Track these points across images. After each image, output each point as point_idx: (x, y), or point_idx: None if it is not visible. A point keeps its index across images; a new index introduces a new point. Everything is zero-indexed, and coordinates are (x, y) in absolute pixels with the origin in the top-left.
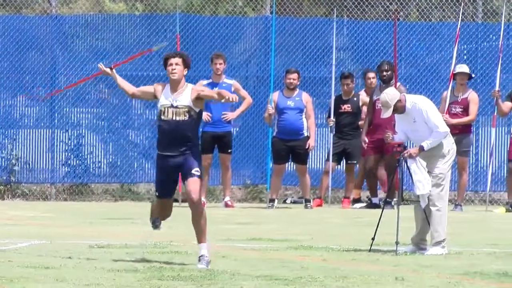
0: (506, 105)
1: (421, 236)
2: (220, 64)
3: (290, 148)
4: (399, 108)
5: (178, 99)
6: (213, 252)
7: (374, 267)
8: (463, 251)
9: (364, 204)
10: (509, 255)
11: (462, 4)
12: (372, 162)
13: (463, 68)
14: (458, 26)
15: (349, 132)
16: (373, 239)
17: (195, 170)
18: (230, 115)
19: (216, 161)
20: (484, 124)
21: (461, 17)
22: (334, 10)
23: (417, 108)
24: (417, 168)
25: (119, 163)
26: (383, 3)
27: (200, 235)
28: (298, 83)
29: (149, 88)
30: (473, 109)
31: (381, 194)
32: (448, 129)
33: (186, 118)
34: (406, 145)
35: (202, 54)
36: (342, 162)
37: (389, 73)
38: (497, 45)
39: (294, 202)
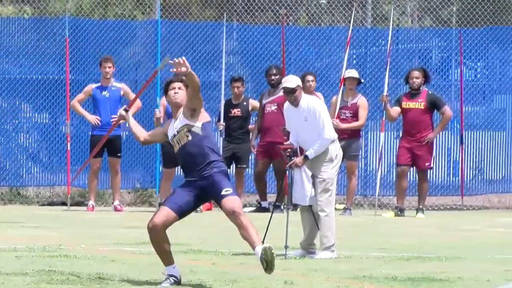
0: (394, 110)
1: (309, 241)
2: (109, 67)
3: None
4: (297, 95)
5: (175, 124)
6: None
7: (264, 271)
8: (352, 255)
9: (254, 208)
10: (398, 260)
11: (353, 9)
12: (261, 166)
13: (352, 73)
14: (350, 31)
15: (238, 136)
16: (262, 242)
17: (226, 190)
18: None
19: (105, 164)
20: (373, 129)
21: (352, 22)
22: (224, 15)
23: (311, 108)
24: (299, 178)
25: (8, 166)
26: (272, 8)
27: (254, 240)
28: None
29: (159, 129)
30: (363, 114)
31: (271, 198)
32: (335, 136)
33: (190, 138)
34: (296, 149)
35: (92, 58)
36: (232, 166)
37: (277, 77)
38: (386, 50)
39: None
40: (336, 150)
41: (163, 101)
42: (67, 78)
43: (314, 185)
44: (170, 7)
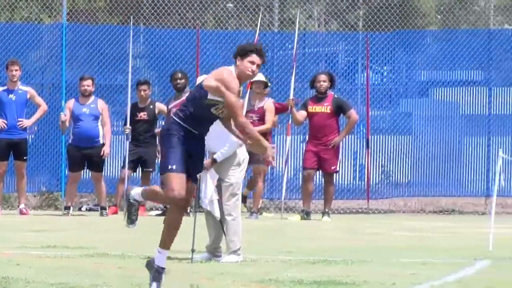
0: (300, 114)
1: (215, 245)
2: (16, 70)
3: (85, 155)
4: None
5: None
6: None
7: (170, 274)
8: (259, 258)
9: (160, 212)
10: (304, 263)
11: (260, 13)
12: None
13: (259, 76)
14: (256, 35)
15: (145, 140)
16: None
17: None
18: (26, 122)
19: (11, 168)
20: (279, 133)
21: (259, 26)
22: (131, 18)
23: None
24: (205, 182)
25: None
26: (180, 11)
27: (168, 240)
28: (93, 89)
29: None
30: (269, 117)
31: None
32: None
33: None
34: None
35: None
36: (138, 170)
37: (182, 81)
38: (293, 54)
39: (90, 210)
40: (243, 154)
41: (68, 104)
42: None
43: (220, 189)
44: (77, 10)
